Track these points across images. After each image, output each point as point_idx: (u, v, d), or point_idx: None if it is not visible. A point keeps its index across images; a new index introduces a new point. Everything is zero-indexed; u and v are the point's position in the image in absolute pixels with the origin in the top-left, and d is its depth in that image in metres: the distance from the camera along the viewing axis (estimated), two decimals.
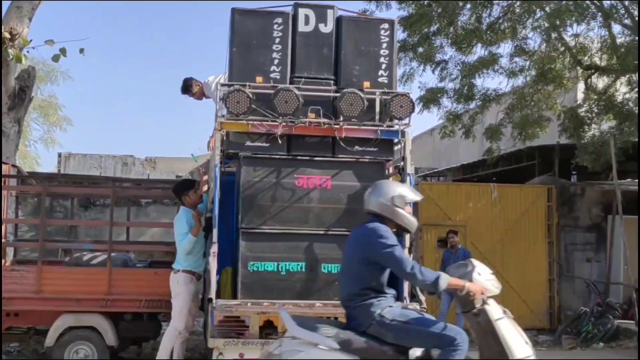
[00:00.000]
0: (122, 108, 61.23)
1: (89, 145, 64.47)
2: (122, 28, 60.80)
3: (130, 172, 22.70)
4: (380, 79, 7.79)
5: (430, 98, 14.75)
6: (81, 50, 9.66)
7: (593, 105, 14.80)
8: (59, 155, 22.84)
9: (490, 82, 80.00)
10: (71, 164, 23.03)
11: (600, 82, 15.51)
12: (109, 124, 59.92)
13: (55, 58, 8.87)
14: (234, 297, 7.36)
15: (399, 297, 7.38)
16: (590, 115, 14.76)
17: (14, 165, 9.69)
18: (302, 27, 7.76)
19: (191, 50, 68.45)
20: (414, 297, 7.47)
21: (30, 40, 9.64)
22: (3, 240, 8.70)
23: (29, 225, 11.85)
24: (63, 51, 9.21)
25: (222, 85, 7.56)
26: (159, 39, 64.39)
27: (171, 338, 7.95)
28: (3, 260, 8.58)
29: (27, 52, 9.67)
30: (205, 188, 8.10)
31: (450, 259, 12.41)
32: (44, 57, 21.88)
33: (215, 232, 7.27)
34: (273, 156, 7.54)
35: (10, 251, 9.52)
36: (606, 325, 12.43)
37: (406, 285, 7.44)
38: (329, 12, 7.78)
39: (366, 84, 7.69)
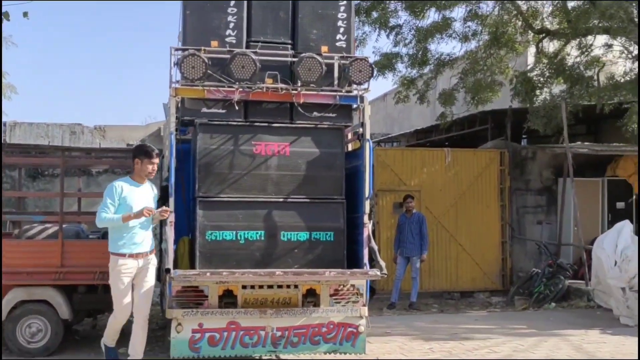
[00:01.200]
0: (69, 75, 59.56)
1: (35, 114, 62.57)
2: None
3: (79, 141, 22.12)
4: (338, 44, 7.66)
5: (385, 63, 14.68)
6: (25, 14, 9.31)
7: (544, 69, 14.96)
8: (4, 124, 22.08)
9: (445, 47, 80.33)
10: (17, 133, 22.33)
11: (551, 46, 15.66)
12: (55, 92, 58.25)
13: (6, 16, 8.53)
14: (192, 267, 7.22)
15: (358, 264, 7.43)
16: (541, 80, 14.92)
17: None
18: None
19: (141, 13, 66.79)
20: (372, 262, 7.47)
21: None
22: None
23: None
24: (6, 15, 8.85)
25: (176, 49, 7.32)
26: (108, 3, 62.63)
27: (110, 324, 7.27)
28: None
29: None
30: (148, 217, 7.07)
31: (405, 224, 12.52)
32: None
33: (171, 201, 7.09)
34: (230, 123, 7.37)
35: None
36: (557, 285, 12.71)
37: (365, 252, 7.43)
38: None
39: (324, 48, 7.55)
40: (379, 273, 7.28)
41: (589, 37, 14.13)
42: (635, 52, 13.25)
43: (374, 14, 14.56)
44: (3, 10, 8.74)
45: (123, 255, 6.92)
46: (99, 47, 60.84)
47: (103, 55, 61.31)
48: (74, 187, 11.54)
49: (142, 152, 7.20)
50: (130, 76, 63.10)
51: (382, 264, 7.30)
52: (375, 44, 37.67)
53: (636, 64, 13.37)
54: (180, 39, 7.61)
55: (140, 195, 7.07)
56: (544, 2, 14.96)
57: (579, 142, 15.95)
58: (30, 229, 8.63)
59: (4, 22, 8.77)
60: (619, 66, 14.96)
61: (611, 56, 14.79)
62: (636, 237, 10.82)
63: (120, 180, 7.18)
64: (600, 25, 12.21)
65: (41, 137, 22.48)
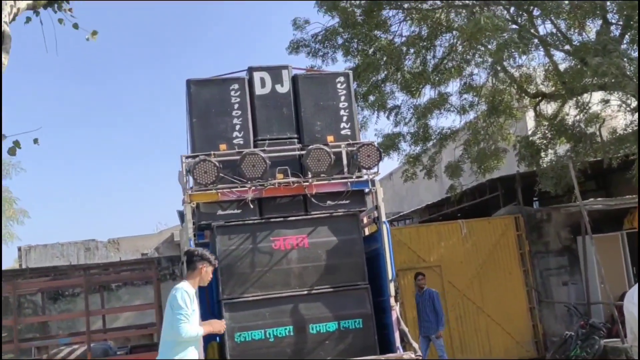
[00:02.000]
0: (79, 193, 60.36)
1: (49, 235, 63.28)
2: (70, 106, 60.51)
3: (95, 257, 22.25)
4: (343, 132, 7.86)
5: (389, 144, 14.89)
6: (35, 141, 9.49)
7: (546, 131, 15.11)
8: (19, 249, 22.28)
9: (444, 121, 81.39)
10: (32, 256, 22.49)
11: (549, 108, 15.88)
12: (66, 211, 58.92)
13: (11, 151, 8.69)
14: None
15: (390, 348, 7.34)
16: (544, 142, 15.05)
17: None
18: (259, 90, 7.83)
19: (151, 123, 68.25)
20: (404, 344, 7.40)
21: None
22: None
23: None
24: (17, 143, 9.05)
25: (187, 157, 7.50)
26: (111, 111, 64.18)
27: None
28: None
29: None
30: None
31: (420, 303, 12.29)
32: None
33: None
34: (246, 222, 7.48)
35: None
36: (593, 346, 12.42)
37: (397, 335, 7.36)
38: (284, 72, 7.88)
39: (330, 138, 7.75)
40: (413, 356, 7.19)
41: (585, 95, 14.35)
42: (633, 104, 13.43)
43: (371, 98, 14.88)
44: (14, 139, 8.95)
45: None
46: (105, 159, 61.92)
47: (109, 167, 62.32)
48: (95, 304, 11.52)
49: (206, 258, 6.25)
50: (138, 186, 63.93)
51: (415, 345, 7.24)
52: (375, 126, 38.22)
53: (636, 115, 13.52)
54: (189, 146, 7.81)
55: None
56: (536, 66, 15.29)
57: (592, 199, 15.93)
58: (59, 352, 8.60)
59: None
60: (619, 120, 15.12)
61: (610, 111, 14.97)
62: None
63: (186, 286, 6.11)
64: (594, 82, 12.44)
65: (57, 257, 22.61)
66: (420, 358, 7.33)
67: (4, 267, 22.52)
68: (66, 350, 8.55)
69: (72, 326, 12.75)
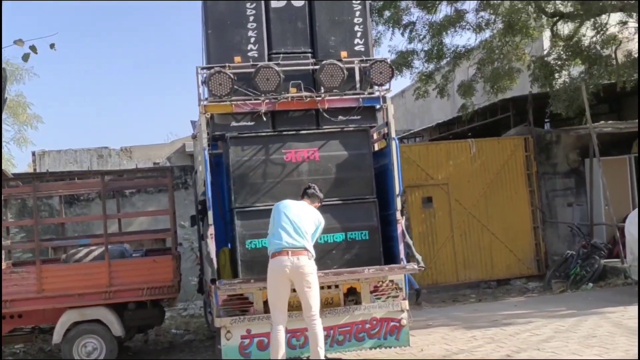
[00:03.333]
0: (92, 99, 60.39)
1: (62, 141, 63.61)
2: (85, 15, 59.79)
3: (107, 164, 22.54)
4: (356, 48, 7.91)
5: (402, 62, 14.84)
6: (52, 46, 9.52)
7: (561, 52, 15.00)
8: (33, 153, 22.57)
9: (459, 39, 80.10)
10: (46, 161, 22.81)
11: (565, 28, 15.69)
12: (80, 117, 59.13)
13: (25, 57, 8.77)
14: (235, 276, 7.47)
15: (395, 259, 7.64)
16: (559, 63, 14.96)
17: None
18: (274, 3, 7.85)
19: (162, 34, 67.56)
20: (409, 256, 7.67)
21: None
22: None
23: (17, 227, 11.85)
24: (33, 49, 9.10)
25: (202, 68, 7.60)
26: (126, 22, 63.45)
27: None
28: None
29: None
30: None
31: None
32: (7, 56, 21.51)
33: (210, 214, 7.36)
34: (259, 134, 7.65)
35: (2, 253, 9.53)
36: (593, 265, 12.77)
37: (401, 247, 7.64)
38: None
39: (343, 53, 7.81)
40: (416, 267, 7.50)
41: (603, 16, 14.15)
42: None
43: (387, 13, 14.74)
44: (30, 44, 9.04)
45: None
46: (117, 67, 61.67)
47: (122, 75, 62.16)
48: (110, 210, 11.89)
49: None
50: (150, 95, 63.85)
51: (419, 257, 7.51)
52: (390, 42, 37.58)
53: None
54: (204, 57, 7.90)
55: None
56: None
57: (603, 122, 15.96)
58: (77, 252, 8.97)
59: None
60: (636, 43, 14.96)
61: (627, 33, 14.80)
62: None
63: None
64: (613, 3, 12.27)
65: (70, 163, 22.95)
66: (424, 269, 7.63)
67: (18, 171, 22.95)
68: (84, 250, 8.91)
69: (87, 229, 13.18)
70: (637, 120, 14.96)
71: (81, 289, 8.40)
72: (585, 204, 14.74)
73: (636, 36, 14.43)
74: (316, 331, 6.86)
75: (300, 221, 6.93)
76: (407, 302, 7.72)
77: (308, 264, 6.85)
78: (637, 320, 8.57)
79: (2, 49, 9.44)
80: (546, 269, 14.25)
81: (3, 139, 23.75)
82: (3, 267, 8.78)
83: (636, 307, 9.48)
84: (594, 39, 14.58)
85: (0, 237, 8.64)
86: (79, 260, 8.81)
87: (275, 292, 6.88)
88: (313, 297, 6.89)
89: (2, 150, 23.53)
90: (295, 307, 7.23)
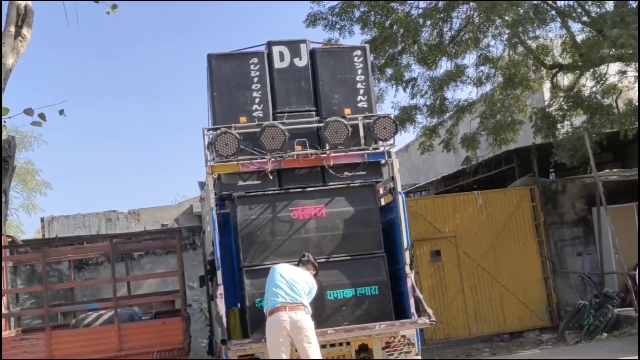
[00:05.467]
0: (99, 165, 60.95)
1: (71, 206, 64.04)
2: (90, 81, 60.87)
3: (116, 228, 22.61)
4: (360, 104, 8.05)
5: (405, 117, 15.01)
6: (61, 112, 9.71)
7: (562, 103, 15.14)
8: (42, 219, 22.69)
9: (460, 93, 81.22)
10: (55, 227, 22.88)
11: (565, 79, 15.89)
12: (88, 182, 59.58)
13: (36, 124, 8.91)
14: (245, 336, 7.43)
15: (405, 314, 7.59)
16: (560, 113, 15.09)
17: (8, 236, 9.72)
18: (277, 64, 8.02)
19: (169, 97, 68.57)
20: (419, 311, 7.63)
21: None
22: (5, 310, 8.72)
23: (26, 293, 11.83)
24: (42, 116, 9.27)
25: (208, 130, 7.73)
26: (132, 84, 64.49)
27: None
28: (8, 331, 8.58)
29: (4, 122, 9.71)
30: None
31: None
32: (16, 124, 21.89)
33: (219, 274, 7.37)
34: (266, 192, 7.71)
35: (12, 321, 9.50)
36: (606, 315, 12.61)
37: (412, 302, 7.60)
38: (302, 46, 8.05)
39: (347, 110, 7.94)
40: (427, 321, 7.44)
41: (602, 67, 14.35)
42: None
43: (389, 71, 14.98)
44: (39, 111, 9.17)
45: None
46: (124, 129, 62.39)
47: (129, 139, 62.83)
48: (119, 273, 11.88)
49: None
50: (157, 158, 64.42)
51: (430, 311, 7.47)
52: (393, 99, 38.14)
53: None
54: (210, 118, 8.03)
55: None
56: (553, 37, 15.26)
57: (607, 170, 15.98)
58: (86, 317, 8.94)
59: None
60: (636, 91, 15.12)
61: (627, 82, 14.97)
62: None
63: None
64: (612, 54, 12.46)
65: (79, 228, 23.01)
66: (435, 323, 7.57)
67: (28, 237, 23.00)
68: (93, 315, 8.89)
69: (96, 294, 13.14)
70: None
71: (91, 354, 8.37)
72: (595, 253, 14.65)
73: (636, 85, 14.60)
74: None
75: (295, 280, 7.03)
76: (420, 357, 7.64)
77: (305, 319, 6.89)
78: None
79: (12, 117, 9.63)
80: (559, 320, 14.07)
81: (12, 206, 23.93)
82: (13, 334, 8.75)
83: None
84: (594, 88, 14.74)
85: (0, 303, 8.62)
86: (89, 325, 8.80)
87: (275, 348, 6.87)
88: (314, 354, 6.88)
89: (11, 217, 23.68)
90: None
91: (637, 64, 11.23)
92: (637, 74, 14.18)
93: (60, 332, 8.80)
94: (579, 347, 11.79)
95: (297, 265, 7.34)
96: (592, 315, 12.79)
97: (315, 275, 7.35)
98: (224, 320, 7.19)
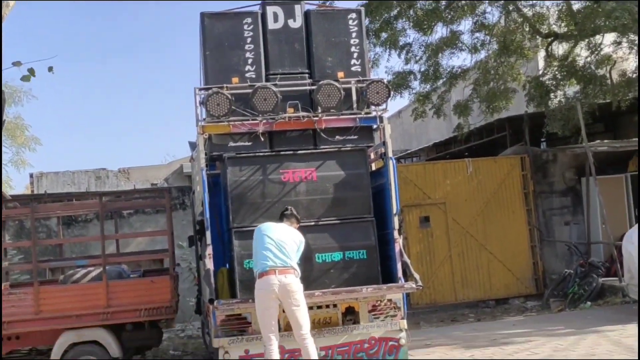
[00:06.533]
0: (89, 121, 60.55)
1: (60, 162, 63.68)
2: (82, 34, 60.07)
3: (105, 186, 22.56)
4: (353, 68, 7.98)
5: (399, 82, 14.94)
6: (50, 69, 9.57)
7: (556, 72, 15.10)
8: (31, 175, 22.59)
9: (455, 60, 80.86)
10: (44, 183, 22.81)
11: (560, 48, 15.82)
12: (78, 139, 59.26)
13: (26, 78, 8.80)
14: (233, 296, 7.47)
15: (392, 278, 7.64)
16: (554, 82, 15.05)
17: None
18: (271, 25, 7.92)
19: (161, 56, 67.90)
20: (406, 275, 7.67)
21: None
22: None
23: (15, 248, 11.86)
24: (32, 71, 9.15)
25: (200, 89, 7.66)
26: (125, 44, 63.72)
27: None
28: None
29: None
30: None
31: None
32: (6, 78, 21.62)
33: (208, 234, 7.38)
34: (257, 154, 7.68)
35: None
36: (591, 284, 12.78)
37: (399, 266, 7.65)
38: (297, 7, 7.95)
39: (340, 74, 7.87)
40: (414, 286, 7.50)
41: (597, 37, 14.29)
42: None
43: (384, 35, 14.85)
44: (29, 67, 9.06)
45: None
46: (115, 88, 61.90)
47: (120, 97, 62.34)
48: (108, 231, 11.89)
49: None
50: (148, 117, 64.02)
51: (417, 276, 7.51)
52: (387, 63, 37.76)
53: None
54: (202, 78, 7.96)
55: None
56: (550, 5, 15.15)
57: (598, 141, 16.04)
58: (75, 273, 8.96)
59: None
60: (630, 62, 15.09)
61: (621, 53, 14.91)
62: None
63: None
64: (607, 24, 12.38)
65: (68, 185, 22.94)
66: (422, 288, 7.64)
67: (16, 193, 22.92)
68: (82, 271, 8.90)
69: (84, 251, 13.17)
70: (633, 139, 15.04)
71: (79, 310, 8.39)
72: (582, 223, 14.78)
73: (630, 56, 14.56)
74: (309, 350, 6.87)
75: (283, 242, 7.01)
76: (405, 321, 7.71)
77: (295, 282, 6.91)
78: (636, 339, 8.56)
79: (2, 71, 9.51)
80: (544, 288, 14.25)
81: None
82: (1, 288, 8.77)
83: (635, 326, 9.47)
84: (589, 59, 14.70)
85: (0, 258, 8.64)
86: (77, 282, 8.81)
87: (265, 311, 6.91)
88: (302, 316, 6.92)
89: (1, 172, 23.56)
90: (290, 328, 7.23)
91: (638, 34, 11.17)
92: (631, 45, 14.13)
93: (49, 287, 8.83)
94: (563, 315, 11.97)
95: (281, 220, 7.31)
96: (577, 284, 12.96)
97: (298, 228, 7.32)
98: (212, 280, 7.21)
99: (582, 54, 15.02)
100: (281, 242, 6.98)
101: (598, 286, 12.74)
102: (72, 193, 15.31)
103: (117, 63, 63.88)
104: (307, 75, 7.90)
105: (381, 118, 7.87)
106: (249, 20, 7.83)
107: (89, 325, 8.38)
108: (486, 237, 14.41)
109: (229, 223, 7.58)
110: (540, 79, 15.30)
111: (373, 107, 7.83)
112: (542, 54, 16.37)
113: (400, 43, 15.03)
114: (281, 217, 7.33)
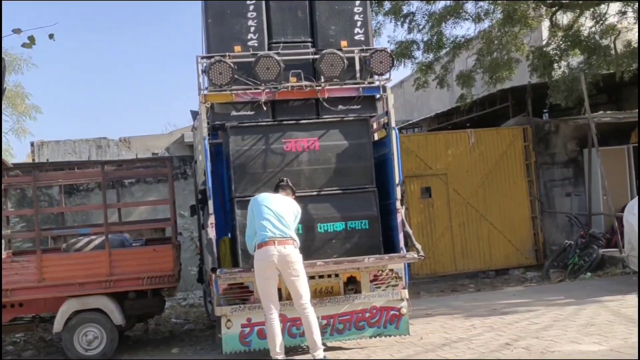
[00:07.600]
0: (90, 90, 60.31)
1: (61, 132, 63.59)
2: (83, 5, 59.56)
3: (106, 155, 22.51)
4: (356, 37, 7.92)
5: (402, 52, 14.83)
6: (51, 36, 9.51)
7: (560, 42, 14.97)
8: (32, 144, 22.55)
9: (459, 29, 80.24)
10: (45, 152, 22.78)
11: (564, 18, 15.67)
12: (79, 108, 59.07)
13: (26, 46, 8.74)
14: (235, 265, 7.51)
15: (394, 248, 7.67)
16: (558, 53, 14.94)
17: None
18: None
19: (162, 24, 67.41)
20: (408, 245, 7.70)
21: None
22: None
23: (18, 216, 11.89)
24: (32, 39, 9.09)
25: (202, 57, 7.61)
26: (126, 12, 63.23)
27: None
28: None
29: None
30: None
31: None
32: (6, 46, 21.45)
33: (210, 203, 7.39)
34: (259, 123, 7.67)
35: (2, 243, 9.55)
36: (591, 255, 12.81)
37: (401, 236, 7.67)
38: None
39: (343, 43, 7.82)
40: (416, 256, 7.53)
41: (602, 6, 14.15)
42: None
43: (387, 4, 14.73)
44: (29, 34, 8.99)
45: None
46: (115, 58, 61.54)
47: (121, 67, 62.02)
48: (110, 200, 11.91)
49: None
50: (149, 86, 63.77)
51: (418, 246, 7.55)
52: (390, 32, 37.65)
53: None
54: (204, 47, 7.90)
55: None
56: None
57: (601, 112, 15.97)
58: (77, 242, 8.99)
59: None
60: (635, 33, 14.95)
61: (626, 23, 14.78)
62: None
63: None
64: None
65: (69, 154, 22.92)
66: (423, 258, 7.67)
67: (17, 161, 22.93)
68: (84, 240, 8.92)
69: (86, 220, 13.20)
70: (635, 111, 14.98)
71: (82, 278, 8.42)
72: (584, 194, 14.77)
73: (635, 26, 14.42)
74: (310, 320, 6.91)
75: (282, 212, 7.01)
76: (406, 291, 7.76)
77: (294, 253, 6.94)
78: (635, 309, 8.60)
79: (2, 39, 9.43)
80: (544, 259, 14.30)
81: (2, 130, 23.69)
82: (3, 256, 8.81)
83: (634, 296, 9.53)
84: (593, 29, 14.56)
85: (0, 226, 8.65)
86: (80, 250, 8.84)
87: (264, 281, 6.95)
88: (302, 286, 6.96)
89: (1, 141, 23.53)
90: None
91: (638, 4, 11.06)
92: (636, 15, 14.00)
93: (51, 255, 8.87)
94: (563, 285, 12.02)
95: (277, 191, 7.30)
96: (577, 254, 12.99)
97: (293, 198, 7.31)
98: (215, 249, 7.23)
99: (586, 23, 14.88)
100: (280, 212, 6.99)
101: (598, 257, 12.78)
102: (74, 162, 15.30)
103: (119, 30, 63.47)
104: (310, 44, 7.84)
105: (384, 88, 7.84)
106: None
107: (92, 293, 8.42)
108: (487, 208, 14.43)
109: (231, 192, 7.59)
110: (544, 49, 15.18)
111: (376, 77, 7.80)
112: (546, 23, 16.22)
113: (404, 12, 14.90)
114: (276, 188, 7.33)
